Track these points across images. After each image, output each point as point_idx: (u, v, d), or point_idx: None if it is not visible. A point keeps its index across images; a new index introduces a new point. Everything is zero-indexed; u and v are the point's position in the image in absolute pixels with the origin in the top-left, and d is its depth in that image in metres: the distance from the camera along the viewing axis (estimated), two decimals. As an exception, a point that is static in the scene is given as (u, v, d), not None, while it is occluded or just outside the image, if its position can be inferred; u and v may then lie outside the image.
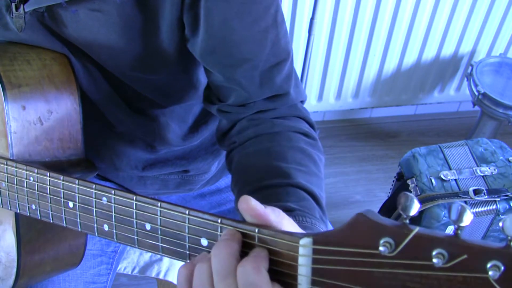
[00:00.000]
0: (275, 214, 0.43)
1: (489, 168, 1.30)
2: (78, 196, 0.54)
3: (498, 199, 1.24)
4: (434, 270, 0.33)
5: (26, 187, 0.59)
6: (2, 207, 0.63)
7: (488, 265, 0.31)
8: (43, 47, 0.65)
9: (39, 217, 0.59)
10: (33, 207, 0.59)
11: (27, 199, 0.59)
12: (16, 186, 0.60)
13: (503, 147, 1.37)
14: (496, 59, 1.77)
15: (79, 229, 0.56)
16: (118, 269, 0.97)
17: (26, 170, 0.58)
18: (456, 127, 2.05)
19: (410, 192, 1.28)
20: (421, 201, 1.25)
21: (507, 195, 1.24)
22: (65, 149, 0.64)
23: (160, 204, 0.47)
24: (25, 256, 0.65)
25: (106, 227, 0.53)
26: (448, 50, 1.78)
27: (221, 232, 0.43)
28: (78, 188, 0.54)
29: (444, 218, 1.25)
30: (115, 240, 0.53)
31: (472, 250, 0.32)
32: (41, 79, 0.62)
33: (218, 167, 0.92)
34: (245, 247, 0.42)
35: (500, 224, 0.31)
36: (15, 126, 0.60)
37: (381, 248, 0.34)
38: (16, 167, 0.59)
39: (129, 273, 0.99)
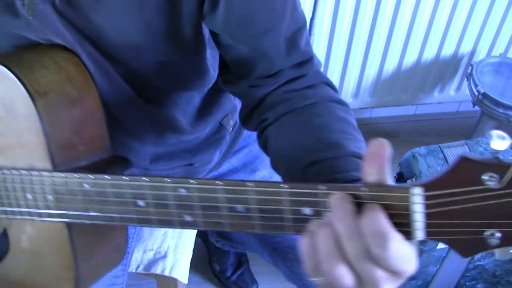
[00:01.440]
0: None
1: (489, 168, 1.30)
2: (150, 193, 0.52)
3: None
4: None
5: (82, 196, 0.56)
6: (52, 220, 0.60)
7: None
8: (52, 49, 0.63)
9: (102, 223, 0.56)
10: (93, 213, 0.56)
11: (84, 207, 0.56)
12: (67, 197, 0.57)
13: (503, 147, 1.37)
14: (496, 59, 1.77)
15: (154, 225, 0.54)
16: (120, 268, 0.98)
17: (79, 178, 0.55)
18: (456, 127, 2.05)
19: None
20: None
21: (507, 195, 1.24)
22: (97, 149, 0.63)
23: (252, 184, 0.47)
24: (82, 266, 0.63)
25: (188, 218, 0.51)
26: (448, 50, 1.78)
27: (323, 198, 0.45)
28: (150, 185, 0.51)
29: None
30: (203, 228, 0.51)
31: None
32: (62, 82, 0.60)
33: (219, 156, 0.92)
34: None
35: None
36: (51, 135, 0.57)
37: (488, 183, 0.40)
38: (66, 177, 0.56)
39: (134, 271, 0.99)
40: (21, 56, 0.61)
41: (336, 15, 1.60)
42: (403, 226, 0.43)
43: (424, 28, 1.70)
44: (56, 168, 0.58)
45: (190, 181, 0.49)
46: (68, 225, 0.60)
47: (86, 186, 0.55)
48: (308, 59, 0.67)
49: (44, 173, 0.57)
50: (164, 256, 0.99)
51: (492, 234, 0.42)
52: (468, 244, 0.43)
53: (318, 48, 1.68)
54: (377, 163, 0.43)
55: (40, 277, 0.66)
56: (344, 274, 0.43)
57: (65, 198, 0.57)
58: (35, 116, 0.57)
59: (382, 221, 0.42)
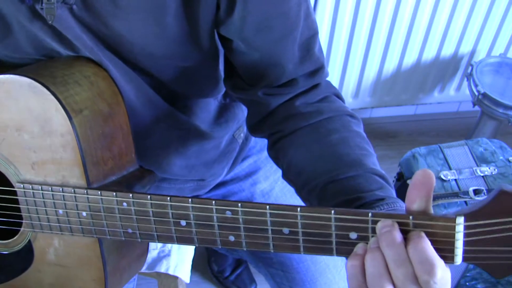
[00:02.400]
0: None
1: (489, 168, 1.30)
2: (192, 214, 0.53)
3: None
4: None
5: (119, 214, 0.56)
6: (84, 235, 0.61)
7: None
8: (81, 63, 0.63)
9: (139, 240, 0.57)
10: (130, 231, 0.57)
11: (121, 224, 0.57)
12: (103, 214, 0.57)
13: (503, 147, 1.37)
14: (496, 59, 1.77)
15: (196, 245, 0.55)
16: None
17: (116, 197, 0.55)
18: (456, 127, 2.05)
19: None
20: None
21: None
22: (124, 163, 0.63)
23: (300, 209, 0.49)
24: (110, 278, 0.64)
25: (232, 238, 0.52)
26: (448, 50, 1.78)
27: (371, 224, 0.48)
28: (191, 206, 0.52)
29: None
30: (245, 248, 0.52)
31: None
32: (94, 98, 0.60)
33: (228, 169, 0.92)
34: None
35: None
36: (86, 152, 0.58)
37: None
38: (101, 195, 0.56)
39: (138, 270, 0.99)
40: (52, 71, 0.60)
41: (336, 15, 1.60)
42: (445, 251, 0.47)
43: (424, 28, 1.69)
44: (90, 185, 0.58)
45: (238, 204, 0.50)
46: (100, 240, 0.61)
47: (125, 204, 0.55)
48: (320, 67, 0.67)
49: (77, 190, 0.58)
50: (168, 255, 0.99)
51: None
52: (501, 268, 0.46)
53: (318, 48, 1.68)
54: (424, 193, 0.46)
55: None
56: None
57: (101, 215, 0.57)
58: (72, 134, 0.57)
59: (429, 249, 0.45)
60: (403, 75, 1.83)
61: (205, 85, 0.75)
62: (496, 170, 1.30)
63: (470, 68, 1.72)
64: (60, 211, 0.60)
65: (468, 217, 0.46)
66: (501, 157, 1.33)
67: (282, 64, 0.64)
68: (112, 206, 0.56)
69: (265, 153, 0.96)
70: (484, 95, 1.62)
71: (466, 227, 0.46)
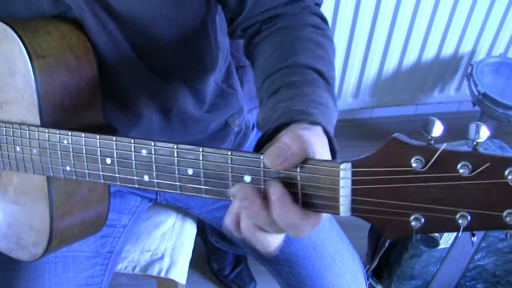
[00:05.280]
0: (297, 146, 0.45)
1: (489, 168, 1.30)
2: (116, 151, 0.56)
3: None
4: (460, 180, 0.39)
5: (60, 150, 0.61)
6: (34, 173, 0.65)
7: (507, 172, 0.37)
8: (59, 19, 0.67)
9: (75, 177, 0.61)
10: (68, 168, 0.61)
11: (61, 161, 0.61)
12: (49, 151, 0.62)
13: (503, 147, 1.37)
14: (496, 59, 1.77)
15: (118, 183, 0.57)
16: (118, 268, 0.97)
17: (59, 134, 0.60)
18: (456, 127, 2.04)
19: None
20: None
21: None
22: (87, 115, 0.68)
23: (202, 149, 0.49)
24: (56, 219, 0.68)
25: (146, 178, 0.54)
26: (448, 50, 1.78)
27: (263, 167, 0.46)
28: (116, 144, 0.55)
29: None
30: (157, 188, 0.54)
31: (492, 159, 0.38)
32: (62, 49, 0.65)
33: None
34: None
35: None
36: (43, 94, 0.62)
37: (413, 165, 0.40)
38: (48, 132, 0.61)
39: (130, 272, 0.98)
40: (28, 21, 0.66)
41: (336, 15, 1.60)
42: (332, 200, 0.45)
43: (424, 28, 1.70)
44: (43, 124, 0.63)
45: (152, 143, 0.52)
46: (48, 178, 0.65)
47: (65, 141, 0.60)
48: None
49: (31, 128, 0.63)
50: (161, 258, 0.99)
51: (417, 218, 0.42)
52: (393, 226, 0.43)
53: (318, 48, 1.68)
54: (282, 166, 0.45)
55: (19, 228, 0.71)
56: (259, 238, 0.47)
57: (47, 153, 0.62)
58: (31, 75, 0.62)
59: (286, 209, 0.44)
60: (403, 75, 1.83)
61: (200, 53, 0.76)
62: (496, 170, 1.30)
63: (470, 68, 1.73)
64: (17, 148, 0.65)
65: (356, 163, 0.43)
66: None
67: None
68: (56, 143, 0.61)
69: None
70: (484, 95, 1.62)
71: (353, 173, 0.43)
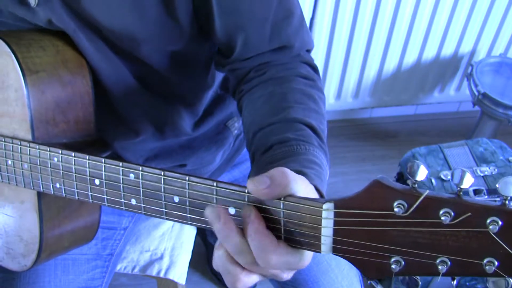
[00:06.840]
0: (280, 179, 0.45)
1: (489, 168, 1.30)
2: (104, 174, 0.56)
3: (498, 199, 1.24)
4: (441, 227, 0.39)
5: (50, 167, 0.61)
6: (25, 187, 0.65)
7: (488, 221, 0.37)
8: (54, 33, 0.67)
9: (64, 195, 0.61)
10: (58, 185, 0.61)
11: (51, 178, 0.62)
12: (39, 167, 0.62)
13: (503, 147, 1.37)
14: (496, 59, 1.77)
15: (106, 204, 0.58)
16: (118, 268, 0.97)
17: (50, 151, 0.60)
18: (456, 127, 2.05)
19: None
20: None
21: (507, 195, 1.24)
22: (80, 130, 0.68)
23: (188, 178, 0.50)
24: (46, 232, 0.68)
25: (133, 201, 0.55)
26: (448, 50, 1.78)
27: (248, 201, 0.47)
28: (104, 166, 0.56)
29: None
30: (143, 212, 0.55)
31: (474, 208, 0.38)
32: (56, 65, 0.65)
33: (223, 158, 0.92)
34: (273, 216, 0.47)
35: (497, 185, 0.37)
36: (35, 110, 0.63)
37: (395, 209, 0.40)
38: (39, 149, 0.62)
39: (129, 272, 0.98)
40: (21, 35, 0.66)
41: (336, 15, 1.60)
42: (314, 238, 0.45)
43: (424, 28, 1.70)
44: (35, 140, 0.63)
45: (139, 167, 0.53)
46: (39, 193, 0.65)
47: (55, 159, 0.60)
48: (288, 46, 0.69)
49: (23, 143, 0.63)
50: (160, 258, 0.99)
51: (397, 261, 0.42)
52: (373, 267, 0.43)
53: (318, 48, 1.68)
54: (262, 194, 0.45)
55: (9, 239, 0.71)
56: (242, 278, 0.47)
57: (38, 168, 0.63)
58: (23, 90, 0.62)
59: (260, 236, 0.45)
60: (403, 75, 1.83)
61: (195, 68, 0.76)
62: (496, 170, 1.30)
63: (470, 68, 1.72)
64: (9, 161, 0.66)
65: (339, 204, 0.43)
66: (501, 157, 1.33)
67: (251, 39, 0.67)
68: (46, 159, 0.61)
69: None
70: (484, 95, 1.62)
71: (336, 214, 0.43)
